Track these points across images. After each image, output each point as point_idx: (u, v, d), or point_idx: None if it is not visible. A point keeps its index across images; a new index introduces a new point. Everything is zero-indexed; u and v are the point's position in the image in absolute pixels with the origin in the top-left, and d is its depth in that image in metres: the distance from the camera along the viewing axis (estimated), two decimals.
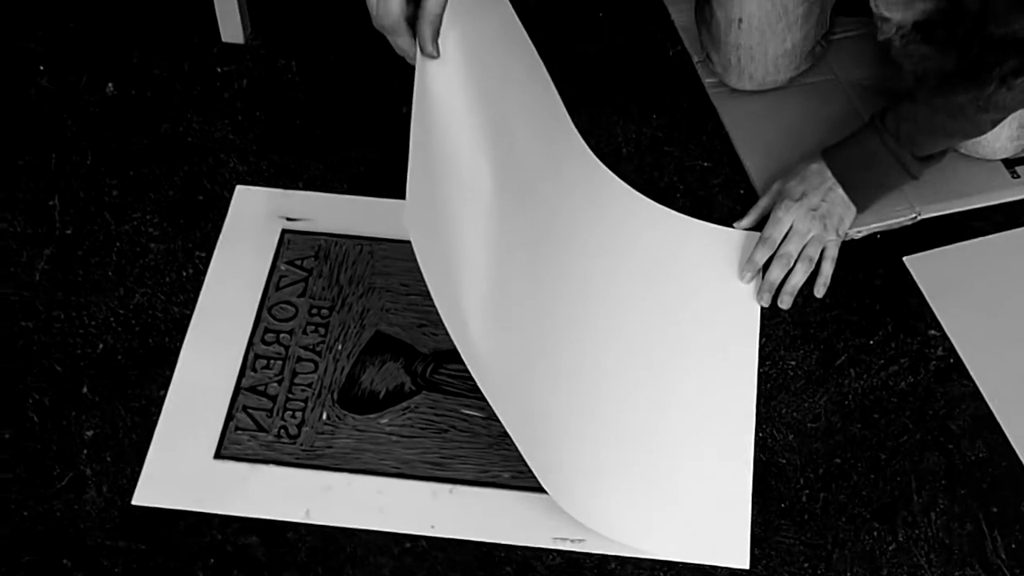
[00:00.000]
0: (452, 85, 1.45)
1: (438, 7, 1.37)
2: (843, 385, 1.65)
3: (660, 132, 1.91)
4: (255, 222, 1.80)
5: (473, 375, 1.43)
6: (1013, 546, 1.53)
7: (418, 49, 1.39)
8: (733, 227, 1.79)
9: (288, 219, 1.80)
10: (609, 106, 1.94)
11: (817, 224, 1.73)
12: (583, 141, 1.74)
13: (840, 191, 1.74)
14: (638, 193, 1.80)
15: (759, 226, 1.79)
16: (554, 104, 1.68)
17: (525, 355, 1.56)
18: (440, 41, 1.39)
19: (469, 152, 1.48)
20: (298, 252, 1.77)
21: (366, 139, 1.90)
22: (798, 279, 1.72)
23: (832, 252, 1.73)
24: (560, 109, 1.69)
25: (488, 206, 1.50)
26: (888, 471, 1.58)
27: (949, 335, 1.70)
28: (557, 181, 1.68)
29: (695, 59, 1.99)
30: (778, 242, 1.73)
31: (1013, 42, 1.34)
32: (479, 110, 1.49)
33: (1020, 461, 1.59)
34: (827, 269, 1.73)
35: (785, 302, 1.71)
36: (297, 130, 1.91)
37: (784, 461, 1.59)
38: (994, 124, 1.72)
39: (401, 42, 1.38)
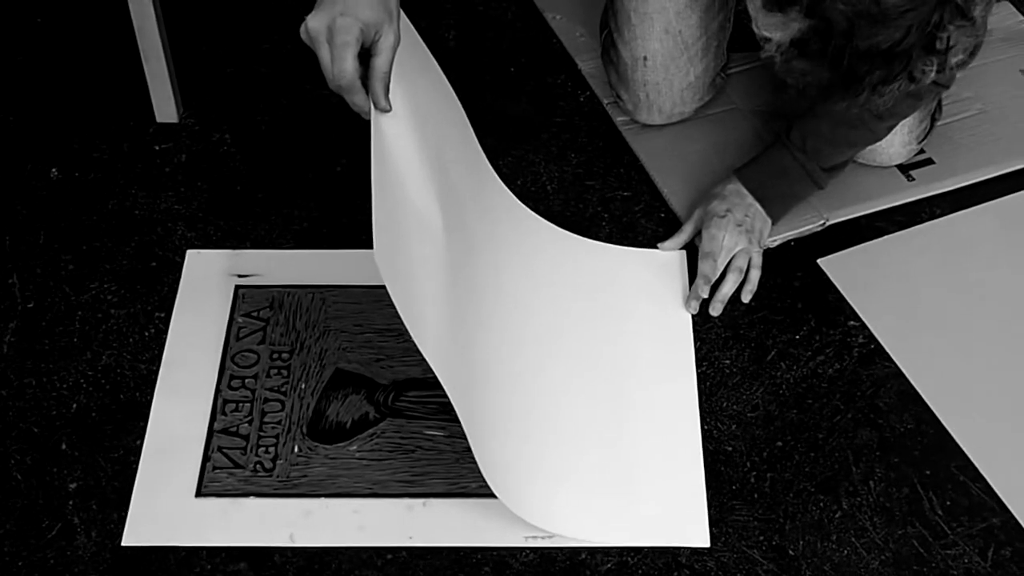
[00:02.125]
0: (402, 136, 1.58)
1: (386, 65, 1.50)
2: (776, 377, 1.78)
3: (580, 169, 2.05)
4: (209, 281, 1.89)
5: (448, 394, 1.52)
6: (948, 503, 1.65)
7: (372, 105, 1.51)
8: (658, 247, 1.92)
9: (240, 276, 1.89)
10: (530, 150, 2.07)
11: (743, 238, 1.86)
12: (503, 184, 1.88)
13: (758, 206, 1.87)
14: (563, 230, 1.93)
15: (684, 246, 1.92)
16: (476, 151, 1.83)
17: (482, 375, 1.67)
18: (390, 97, 1.51)
19: (420, 194, 1.61)
20: (253, 304, 1.86)
21: (305, 198, 2.00)
22: (728, 288, 1.85)
23: (757, 261, 1.87)
24: (481, 155, 1.84)
25: (440, 241, 1.63)
26: (826, 448, 1.71)
27: (867, 324, 1.83)
28: (485, 218, 1.82)
29: (605, 102, 2.13)
30: (719, 256, 1.85)
31: (878, 53, 1.47)
32: (425, 157, 1.62)
33: (945, 428, 1.72)
34: (754, 277, 1.86)
35: (716, 309, 1.84)
36: (239, 196, 2.01)
37: (730, 448, 1.71)
38: (889, 130, 1.88)
39: (357, 99, 1.51)
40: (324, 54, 1.47)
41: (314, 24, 1.47)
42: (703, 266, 1.85)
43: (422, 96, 1.65)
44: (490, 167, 1.86)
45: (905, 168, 2.01)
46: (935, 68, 1.49)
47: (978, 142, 2.06)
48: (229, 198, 2.01)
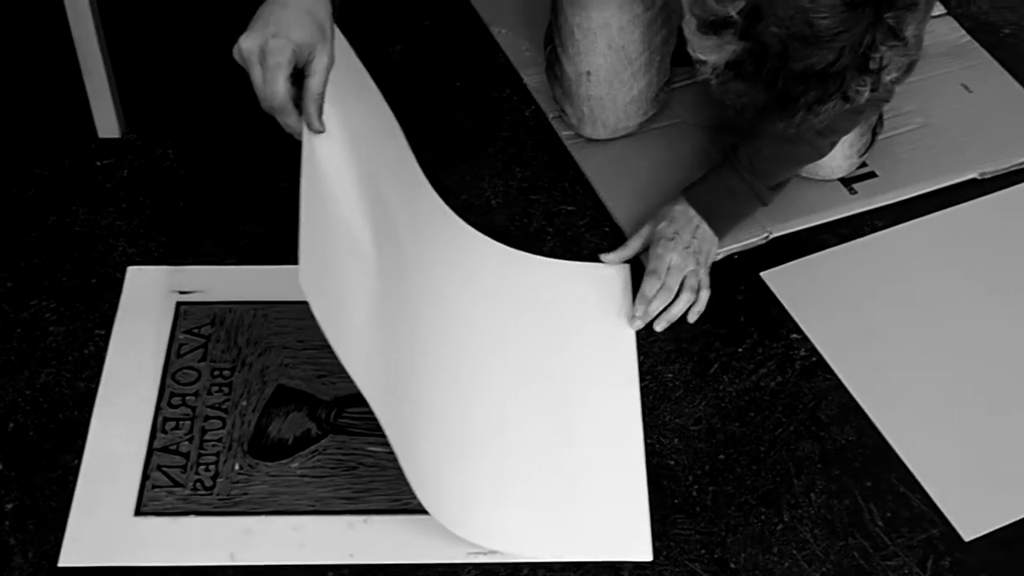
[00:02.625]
0: (336, 157, 1.58)
1: (320, 86, 1.51)
2: (719, 390, 1.78)
3: (525, 183, 2.04)
4: (150, 298, 1.88)
5: (377, 417, 1.51)
6: (888, 514, 1.66)
7: (304, 126, 1.51)
8: (601, 258, 1.91)
9: (181, 292, 1.88)
10: (476, 164, 2.07)
11: (692, 260, 1.86)
12: (442, 201, 1.88)
13: (705, 226, 1.88)
14: (504, 246, 1.93)
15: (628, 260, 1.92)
16: (414, 169, 1.83)
17: (415, 394, 1.67)
18: (323, 118, 1.51)
19: (353, 215, 1.61)
20: (195, 321, 1.85)
21: (249, 213, 1.99)
22: (679, 308, 1.85)
23: (706, 282, 1.87)
24: (419, 173, 1.84)
25: (372, 263, 1.63)
26: (768, 461, 1.71)
27: (810, 337, 1.83)
28: (423, 237, 1.82)
29: (550, 116, 2.13)
30: (663, 276, 1.85)
31: (812, 74, 1.46)
32: (358, 178, 1.62)
33: (885, 440, 1.72)
34: (703, 297, 1.86)
35: (661, 325, 1.84)
36: (182, 212, 2.00)
37: (673, 462, 1.71)
38: (832, 146, 1.88)
39: (290, 121, 1.51)
40: (256, 75, 1.48)
41: (246, 45, 1.47)
42: (646, 285, 1.85)
43: (357, 115, 1.65)
44: (428, 185, 1.85)
45: (848, 181, 2.02)
46: (869, 87, 1.49)
47: (920, 155, 2.07)
48: (172, 214, 2.00)
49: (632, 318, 1.85)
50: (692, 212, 1.89)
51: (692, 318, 1.86)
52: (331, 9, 1.54)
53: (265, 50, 1.46)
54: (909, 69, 1.67)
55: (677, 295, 1.86)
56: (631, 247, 1.92)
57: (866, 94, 1.49)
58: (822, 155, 1.91)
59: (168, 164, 2.07)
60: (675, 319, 1.85)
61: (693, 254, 1.87)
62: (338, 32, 1.58)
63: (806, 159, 1.91)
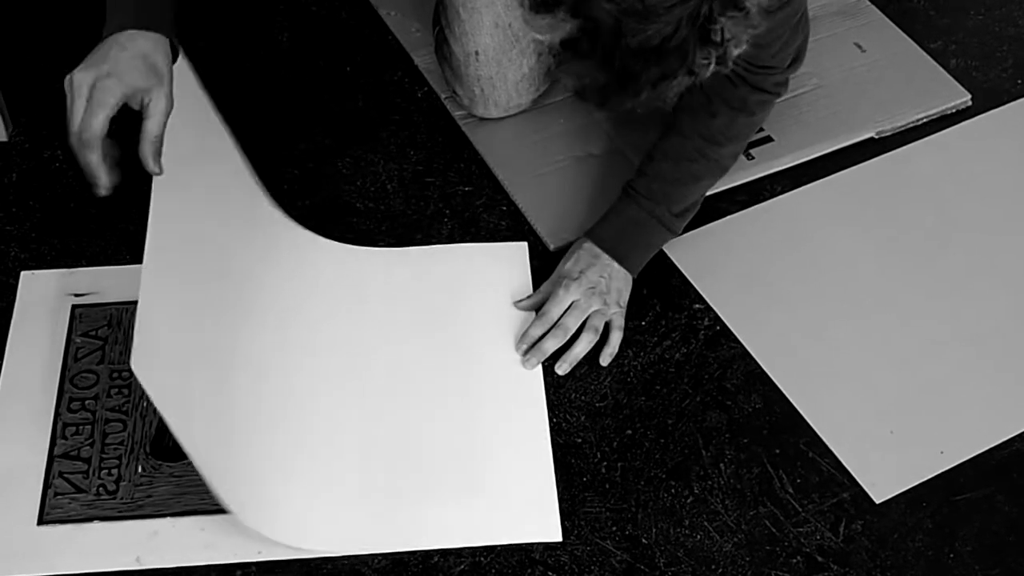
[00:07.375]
0: (179, 203, 1.62)
1: (157, 128, 1.53)
2: (623, 365, 1.77)
3: (420, 166, 2.02)
4: (44, 303, 1.84)
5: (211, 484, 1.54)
6: (798, 480, 1.66)
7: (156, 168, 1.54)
8: (515, 305, 1.83)
9: (76, 295, 1.85)
10: (369, 149, 2.04)
11: (597, 300, 1.77)
12: (293, 223, 1.88)
13: (616, 266, 1.80)
14: (384, 249, 1.91)
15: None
16: (261, 202, 1.85)
17: (298, 410, 1.70)
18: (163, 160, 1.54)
19: (197, 263, 1.67)
20: (91, 324, 1.82)
21: (139, 211, 1.93)
22: (581, 349, 1.76)
23: (619, 323, 1.78)
24: (271, 206, 1.85)
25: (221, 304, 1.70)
26: (676, 433, 1.70)
27: (713, 306, 1.83)
28: (297, 272, 1.84)
29: (442, 96, 2.11)
30: (556, 319, 1.77)
31: (650, 50, 1.40)
32: (204, 228, 1.69)
33: (793, 405, 1.72)
34: (615, 339, 1.78)
35: (562, 369, 1.76)
36: (72, 212, 1.96)
37: (580, 440, 1.70)
38: (734, 156, 1.87)
39: (92, 158, 1.52)
40: (77, 107, 1.49)
41: (79, 78, 1.49)
42: (533, 327, 1.78)
43: (199, 160, 1.67)
44: (282, 214, 1.85)
45: (745, 147, 2.01)
46: (714, 60, 1.43)
47: (816, 117, 2.07)
48: (63, 216, 1.96)
49: (526, 359, 1.76)
50: (598, 251, 1.80)
51: (605, 361, 1.77)
52: (170, 55, 1.55)
53: (95, 87, 1.48)
54: (799, 57, 1.69)
55: (577, 335, 1.78)
56: (542, 291, 1.82)
57: (711, 68, 1.44)
58: (724, 168, 1.85)
59: (57, 166, 2.03)
60: (577, 360, 1.76)
61: (600, 295, 1.77)
62: (185, 64, 1.61)
63: (709, 175, 1.85)
